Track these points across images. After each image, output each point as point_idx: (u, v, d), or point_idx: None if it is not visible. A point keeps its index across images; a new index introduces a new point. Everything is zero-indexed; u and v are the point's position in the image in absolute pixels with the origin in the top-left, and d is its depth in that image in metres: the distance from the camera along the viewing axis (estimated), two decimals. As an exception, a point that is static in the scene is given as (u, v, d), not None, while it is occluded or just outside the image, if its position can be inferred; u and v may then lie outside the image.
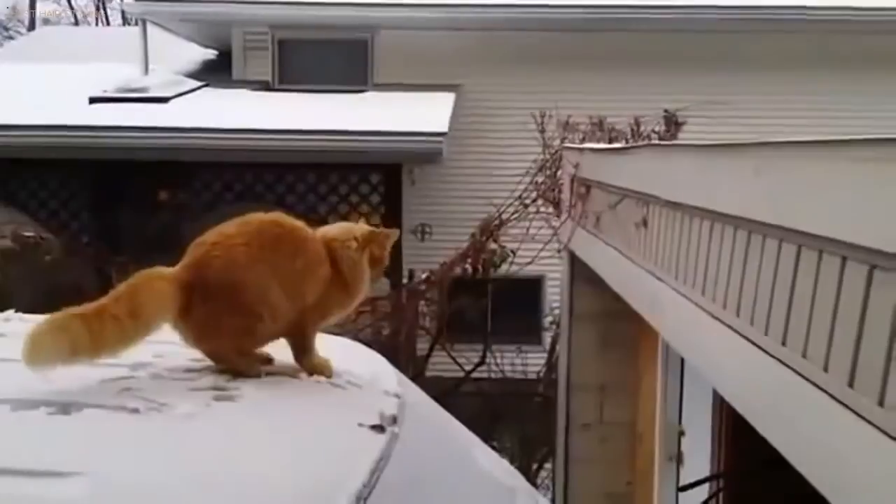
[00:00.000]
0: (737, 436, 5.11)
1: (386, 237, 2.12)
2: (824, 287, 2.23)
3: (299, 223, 2.02)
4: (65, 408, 1.58)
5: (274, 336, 1.96)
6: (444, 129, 9.58)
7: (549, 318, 10.03)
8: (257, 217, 1.96)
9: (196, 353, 1.93)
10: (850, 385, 2.08)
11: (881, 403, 1.93)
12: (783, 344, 2.49)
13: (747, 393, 2.89)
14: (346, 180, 10.37)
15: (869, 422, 1.97)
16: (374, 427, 1.72)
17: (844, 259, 2.13)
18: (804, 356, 2.34)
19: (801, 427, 2.38)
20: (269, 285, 1.87)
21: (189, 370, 1.86)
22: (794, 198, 2.47)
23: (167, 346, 1.94)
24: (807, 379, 2.31)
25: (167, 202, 10.22)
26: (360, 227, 2.11)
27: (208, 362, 1.92)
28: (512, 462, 6.82)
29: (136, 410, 1.60)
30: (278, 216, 2.00)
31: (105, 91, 10.59)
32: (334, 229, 2.09)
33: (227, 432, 1.58)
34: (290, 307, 1.91)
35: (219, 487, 1.38)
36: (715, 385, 3.61)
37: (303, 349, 1.99)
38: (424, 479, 1.77)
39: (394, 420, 1.78)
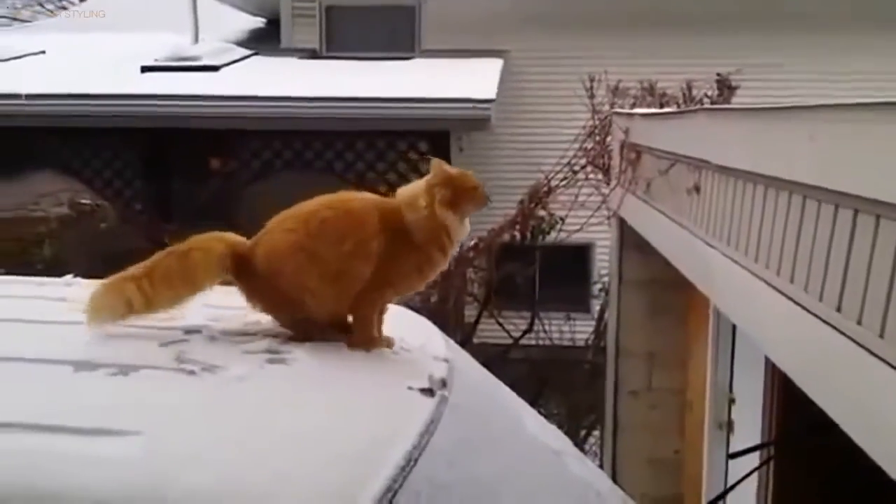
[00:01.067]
0: (789, 403, 5.06)
1: (439, 171, 2.05)
2: (881, 253, 2.20)
3: (358, 199, 1.99)
4: (123, 369, 1.62)
5: (330, 317, 1.95)
6: (492, 95, 9.53)
7: (599, 286, 9.99)
8: (313, 201, 1.95)
9: (250, 318, 1.97)
10: (907, 352, 2.05)
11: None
12: (838, 310, 2.46)
13: (800, 360, 2.86)
14: (395, 147, 10.35)
15: (926, 389, 1.95)
16: (423, 390, 1.74)
17: (903, 224, 2.09)
18: (859, 323, 2.31)
19: (855, 394, 2.35)
20: (308, 274, 1.87)
21: (243, 333, 1.90)
22: (849, 162, 2.42)
23: (222, 310, 1.98)
24: (861, 346, 2.28)
25: (218, 170, 10.32)
26: (420, 183, 2.04)
27: (261, 327, 1.94)
28: (559, 428, 6.85)
29: (191, 372, 1.64)
30: (335, 197, 1.97)
31: (156, 60, 10.71)
32: (402, 195, 2.03)
33: (280, 394, 1.61)
34: (336, 293, 1.90)
35: (271, 447, 1.40)
36: (767, 352, 3.57)
37: (355, 327, 1.97)
38: (474, 441, 1.78)
39: (443, 384, 1.79)
